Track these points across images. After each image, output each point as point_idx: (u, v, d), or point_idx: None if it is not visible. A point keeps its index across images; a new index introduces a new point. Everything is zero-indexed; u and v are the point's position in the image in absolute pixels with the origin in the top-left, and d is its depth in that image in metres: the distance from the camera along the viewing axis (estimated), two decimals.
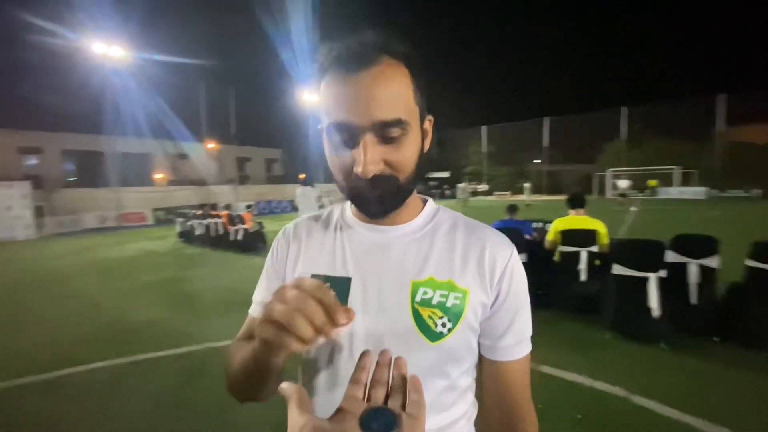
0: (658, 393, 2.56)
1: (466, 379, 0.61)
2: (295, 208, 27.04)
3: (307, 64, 30.14)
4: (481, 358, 0.62)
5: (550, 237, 4.24)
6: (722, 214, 13.89)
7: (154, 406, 2.67)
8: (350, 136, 0.52)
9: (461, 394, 0.60)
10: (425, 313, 0.56)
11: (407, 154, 0.54)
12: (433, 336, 0.56)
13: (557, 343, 3.46)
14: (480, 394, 0.64)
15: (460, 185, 25.24)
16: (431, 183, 38.54)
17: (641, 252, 3.50)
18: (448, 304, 0.57)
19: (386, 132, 0.51)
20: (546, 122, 36.00)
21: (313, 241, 0.66)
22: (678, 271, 3.43)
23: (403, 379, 0.35)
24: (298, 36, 29.64)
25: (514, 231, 4.51)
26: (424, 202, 0.67)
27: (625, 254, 3.55)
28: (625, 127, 32.34)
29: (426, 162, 0.58)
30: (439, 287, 0.57)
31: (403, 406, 0.32)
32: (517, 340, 0.60)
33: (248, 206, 12.36)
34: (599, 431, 2.25)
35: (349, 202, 0.65)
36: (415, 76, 0.54)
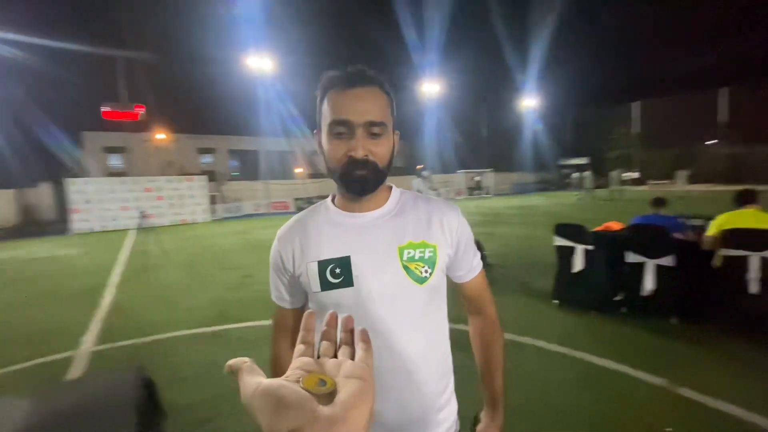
0: None
1: (443, 313, 0.86)
2: None
3: (424, 55, 30.32)
4: (459, 286, 0.91)
5: (711, 232, 3.44)
6: None
7: None
8: (348, 130, 0.73)
9: (440, 330, 0.85)
10: (411, 266, 0.78)
11: (384, 148, 0.77)
12: (420, 280, 0.78)
13: (707, 365, 2.85)
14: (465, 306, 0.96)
15: (613, 173, 21.74)
16: (564, 171, 34.33)
17: None
18: (426, 257, 0.79)
19: (372, 129, 0.74)
20: (724, 93, 28.55)
21: (309, 235, 0.82)
22: (739, 265, 2.43)
23: (351, 333, 0.37)
24: (414, 25, 30.00)
25: (658, 230, 3.81)
26: (389, 188, 0.86)
27: None
28: None
29: (393, 160, 0.80)
30: (416, 247, 0.79)
31: (352, 356, 0.34)
32: (475, 265, 0.90)
33: None
34: None
35: (329, 201, 0.86)
36: (390, 100, 0.78)
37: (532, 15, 34.24)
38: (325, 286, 0.78)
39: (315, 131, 0.83)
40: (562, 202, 18.73)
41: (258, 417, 0.28)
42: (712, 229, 3.44)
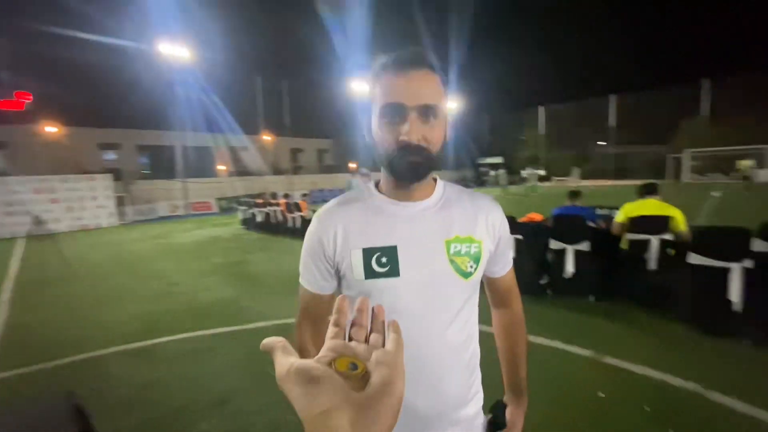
0: (738, 390, 2.37)
1: (476, 309, 0.86)
2: None
3: (356, 56, 30.39)
4: (491, 280, 0.91)
5: (618, 220, 3.99)
6: None
7: (242, 371, 2.97)
8: (400, 113, 0.70)
9: (474, 324, 0.86)
10: (457, 260, 0.78)
11: (438, 134, 0.73)
12: (466, 275, 0.79)
13: (622, 335, 3.31)
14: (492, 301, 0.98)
15: (525, 171, 24.06)
16: (481, 169, 37.22)
17: (723, 240, 3.21)
18: (472, 252, 0.79)
19: (426, 112, 0.71)
20: (613, 100, 33.16)
21: (354, 221, 0.79)
22: (766, 262, 3.09)
23: (383, 323, 0.37)
24: (349, 28, 29.92)
25: (575, 218, 4.32)
26: (434, 179, 0.85)
27: (704, 243, 3.27)
28: (708, 102, 28.87)
29: (445, 148, 0.77)
30: (463, 241, 0.79)
31: (382, 344, 0.34)
32: (509, 259, 0.91)
33: (304, 195, 12.93)
34: (669, 425, 2.15)
35: (372, 188, 0.84)
36: (443, 84, 0.75)
37: (452, 25, 36.42)
38: (370, 274, 0.76)
39: (365, 119, 0.80)
40: None
41: (291, 396, 0.29)
42: (620, 216, 3.99)
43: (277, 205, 10.52)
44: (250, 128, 25.91)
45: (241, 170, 26.04)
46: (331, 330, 0.35)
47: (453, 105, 37.30)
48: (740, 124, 25.82)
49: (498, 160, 35.52)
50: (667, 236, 3.71)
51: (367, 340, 0.35)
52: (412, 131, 0.70)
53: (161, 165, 23.49)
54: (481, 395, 0.88)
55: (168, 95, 20.90)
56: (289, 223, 9.75)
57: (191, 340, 3.60)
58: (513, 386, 0.97)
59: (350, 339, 0.35)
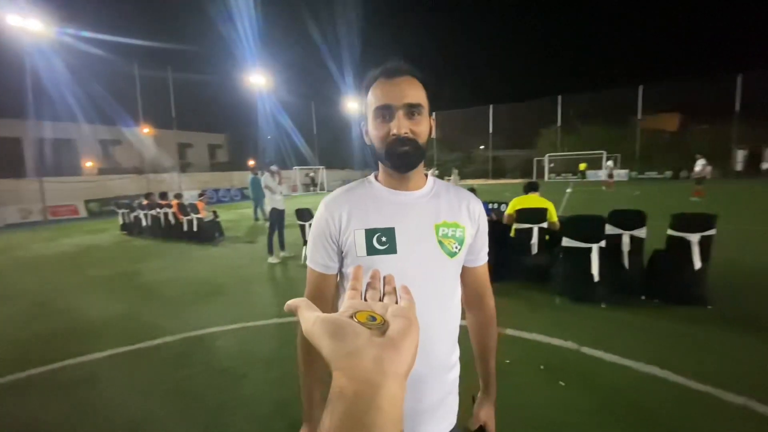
0: (602, 343, 3.04)
1: (459, 289, 0.99)
2: (246, 197, 25.75)
3: (253, 47, 28.77)
4: (464, 269, 1.01)
5: (508, 212, 4.67)
6: (642, 193, 15.69)
7: (151, 395, 2.67)
8: (389, 113, 0.85)
9: (458, 305, 0.99)
10: (445, 241, 0.92)
11: (423, 127, 0.88)
12: (451, 254, 0.92)
13: (517, 309, 3.89)
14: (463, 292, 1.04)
15: (436, 172, 25.80)
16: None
17: (586, 226, 4.01)
18: (457, 235, 0.93)
19: (411, 110, 0.85)
20: (491, 109, 37.59)
21: (357, 206, 0.92)
22: (614, 242, 3.98)
23: (394, 288, 0.43)
24: (242, 17, 28.08)
25: None
26: (426, 175, 1.00)
27: (573, 228, 4.04)
28: (559, 114, 34.78)
29: (429, 144, 0.91)
30: (449, 226, 0.93)
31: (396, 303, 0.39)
32: (485, 253, 1.04)
33: (201, 194, 11.81)
34: (558, 378, 2.65)
35: (373, 179, 0.98)
36: (426, 89, 0.90)
37: (349, 29, 37.11)
38: (371, 251, 0.87)
39: (362, 124, 0.95)
40: None
41: (319, 345, 0.32)
42: (509, 209, 4.67)
43: (169, 206, 9.44)
44: (127, 119, 22.46)
45: (115, 167, 22.49)
46: (349, 293, 0.40)
47: (355, 106, 38.07)
48: (585, 133, 32.13)
49: None
50: (544, 225, 4.48)
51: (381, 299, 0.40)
52: (401, 126, 0.84)
53: (7, 161, 18.89)
54: (458, 366, 1.02)
55: (18, 77, 16.90)
56: (185, 227, 8.85)
57: (82, 366, 3.10)
58: (484, 378, 1.12)
59: (365, 299, 0.40)
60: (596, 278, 3.84)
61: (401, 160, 0.87)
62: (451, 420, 0.99)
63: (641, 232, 3.96)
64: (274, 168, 6.31)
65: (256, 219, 11.92)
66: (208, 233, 8.69)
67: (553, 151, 31.52)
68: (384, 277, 0.44)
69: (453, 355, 0.99)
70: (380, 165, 0.94)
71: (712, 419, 2.16)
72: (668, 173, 26.61)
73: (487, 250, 1.05)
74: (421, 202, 0.94)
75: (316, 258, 0.95)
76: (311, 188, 28.88)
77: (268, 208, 6.34)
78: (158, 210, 9.63)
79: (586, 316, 3.67)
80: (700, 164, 14.10)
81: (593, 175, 27.56)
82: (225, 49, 27.19)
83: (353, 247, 0.89)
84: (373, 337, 0.32)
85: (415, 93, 0.86)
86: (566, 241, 4.03)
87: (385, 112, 0.85)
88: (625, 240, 3.96)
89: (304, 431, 0.98)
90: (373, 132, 0.89)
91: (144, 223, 10.03)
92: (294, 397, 2.44)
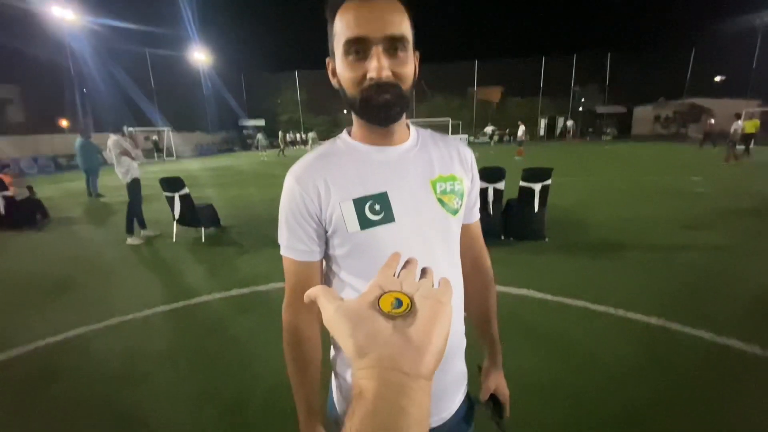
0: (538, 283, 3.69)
1: (458, 248, 0.88)
2: (61, 167, 20.39)
3: None
4: (463, 229, 0.89)
5: None
6: (479, 155, 18.57)
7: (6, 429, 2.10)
8: (365, 48, 0.64)
9: (459, 264, 0.88)
10: (445, 198, 0.79)
11: (407, 68, 0.68)
12: (454, 211, 0.80)
13: None
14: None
15: (279, 134, 24.62)
16: (245, 132, 35.44)
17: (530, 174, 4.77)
18: (456, 189, 0.81)
19: (394, 45, 0.65)
20: None
21: (335, 174, 0.74)
22: (481, 193, 4.72)
23: (422, 269, 0.39)
24: None
25: None
26: (407, 126, 0.83)
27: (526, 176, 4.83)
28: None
29: (414, 87, 0.72)
30: (446, 180, 0.80)
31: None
32: (477, 207, 0.94)
33: (4, 167, 8.89)
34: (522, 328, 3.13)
35: (346, 136, 0.81)
36: (410, 13, 0.69)
37: None
38: (365, 224, 0.72)
39: (327, 60, 0.73)
40: (252, 162, 19.74)
41: (338, 336, 0.30)
42: None
43: None
44: None
45: None
46: (382, 270, 0.37)
47: (203, 58, 33.12)
48: (434, 102, 36.10)
49: (260, 122, 34.68)
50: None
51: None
52: (381, 67, 0.64)
53: None
54: (464, 343, 0.91)
55: None
56: None
57: None
58: (489, 343, 1.00)
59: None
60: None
61: (381, 111, 0.69)
62: (465, 388, 0.91)
63: (501, 185, 4.81)
64: (125, 129, 5.17)
65: (90, 194, 9.70)
66: (26, 215, 6.72)
67: (410, 118, 34.38)
68: (421, 270, 0.39)
69: (463, 323, 0.90)
70: (354, 116, 0.76)
71: (563, 319, 2.94)
72: (496, 138, 32.09)
73: (479, 204, 0.94)
74: (410, 156, 0.78)
75: (294, 245, 0.77)
76: (155, 155, 24.57)
77: (124, 179, 5.21)
78: None
79: (531, 250, 4.43)
80: (521, 130, 17.59)
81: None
82: None
83: (342, 223, 0.73)
84: (396, 332, 0.29)
85: (399, 20, 0.65)
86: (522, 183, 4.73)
87: (358, 47, 0.65)
88: (490, 192, 4.75)
89: None
90: (343, 74, 0.69)
91: None
92: (221, 384, 2.29)
